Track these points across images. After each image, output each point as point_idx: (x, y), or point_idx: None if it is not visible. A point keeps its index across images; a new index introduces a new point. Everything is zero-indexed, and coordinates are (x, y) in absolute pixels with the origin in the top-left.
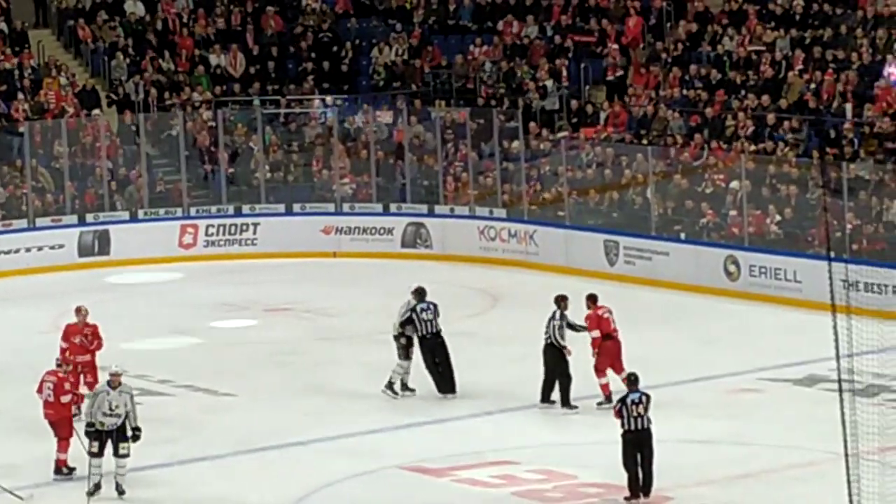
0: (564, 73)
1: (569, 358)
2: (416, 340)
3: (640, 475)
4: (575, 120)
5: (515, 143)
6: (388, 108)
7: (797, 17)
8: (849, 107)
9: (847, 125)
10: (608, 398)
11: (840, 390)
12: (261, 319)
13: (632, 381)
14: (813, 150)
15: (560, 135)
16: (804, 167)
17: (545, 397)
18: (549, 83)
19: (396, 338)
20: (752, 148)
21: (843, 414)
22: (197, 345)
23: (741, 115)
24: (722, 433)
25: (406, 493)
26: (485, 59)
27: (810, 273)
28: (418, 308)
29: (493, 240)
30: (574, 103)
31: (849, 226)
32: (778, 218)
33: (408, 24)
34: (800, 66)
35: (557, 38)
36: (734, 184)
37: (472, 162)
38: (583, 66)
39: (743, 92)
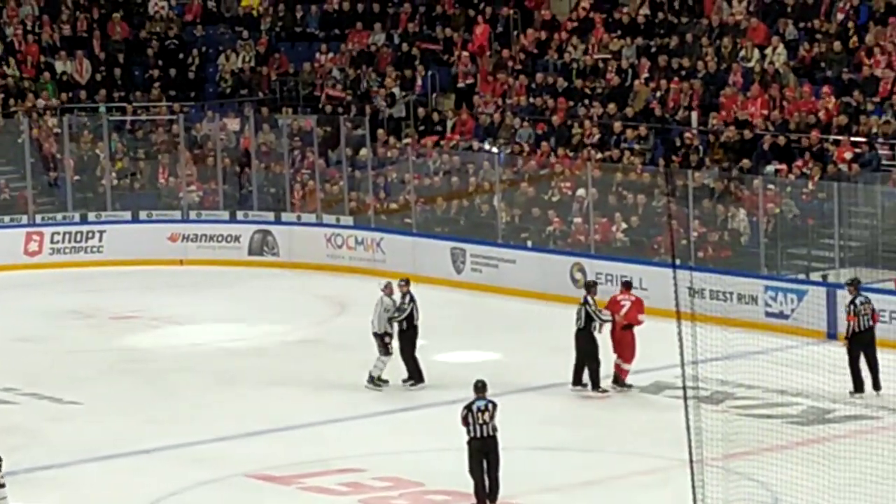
0: (419, 80)
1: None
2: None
3: (487, 482)
4: (422, 127)
5: (363, 151)
6: (236, 116)
7: (643, 26)
8: (694, 115)
9: (692, 133)
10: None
11: (685, 397)
12: (107, 327)
13: (478, 388)
14: (659, 158)
15: (405, 142)
16: (650, 175)
17: (576, 380)
18: (397, 91)
19: (380, 336)
20: (599, 156)
21: (687, 420)
22: (42, 353)
23: (587, 123)
24: (568, 440)
25: (252, 501)
26: (332, 67)
27: (656, 280)
28: (415, 298)
29: (340, 247)
30: (421, 111)
31: (694, 233)
32: (624, 226)
33: (255, 31)
34: (646, 75)
35: (405, 46)
36: (580, 191)
37: (320, 169)
38: (430, 73)
39: (589, 100)
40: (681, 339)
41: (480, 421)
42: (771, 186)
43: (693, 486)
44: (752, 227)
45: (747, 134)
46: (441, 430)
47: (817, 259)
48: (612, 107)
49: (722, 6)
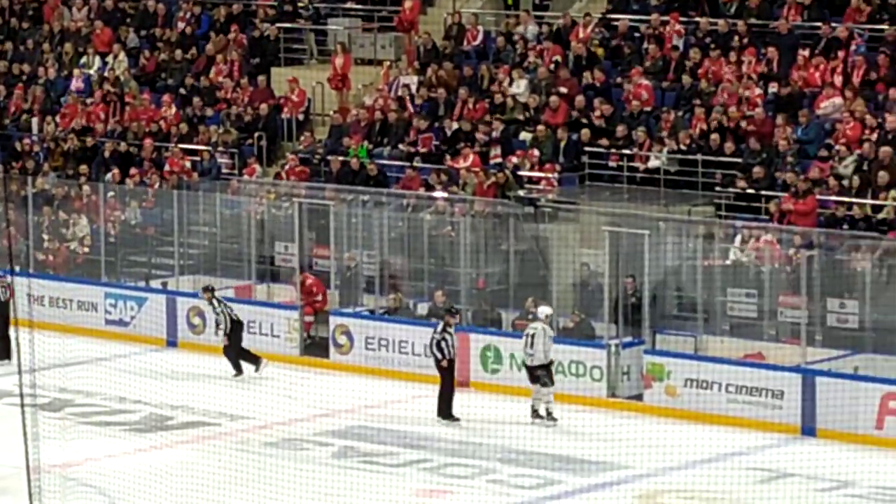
0: None
1: None
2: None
3: None
4: None
5: None
6: None
7: None
8: (35, 121)
9: (32, 139)
10: None
11: (22, 404)
12: None
13: None
14: None
15: None
16: None
17: None
18: None
19: (546, 366)
20: None
21: (24, 428)
22: None
23: None
24: None
25: None
26: None
27: None
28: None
29: None
30: None
31: (35, 240)
32: None
33: None
34: None
35: None
36: None
37: None
38: None
39: None
40: (18, 346)
41: None
42: (112, 194)
43: (30, 494)
44: (94, 235)
45: (89, 141)
46: None
47: (158, 267)
48: None
49: (63, 12)
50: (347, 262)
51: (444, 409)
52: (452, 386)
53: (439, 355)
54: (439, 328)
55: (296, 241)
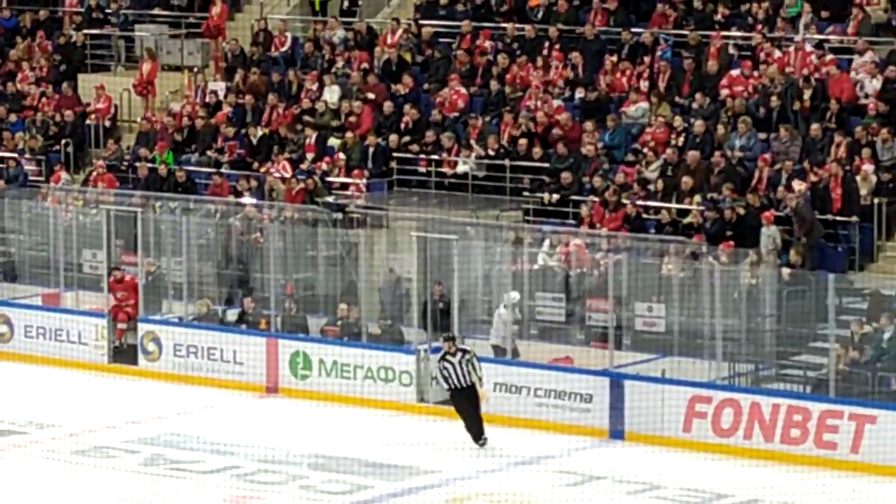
0: None
1: None
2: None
3: None
4: None
5: None
6: None
7: None
8: None
9: None
10: None
11: None
12: None
13: None
14: None
15: None
16: None
17: None
18: None
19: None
20: None
21: None
22: None
23: None
24: None
25: None
26: None
27: None
28: None
29: None
30: None
31: None
32: None
33: None
34: None
35: None
36: None
37: None
38: None
39: None
40: None
41: None
42: None
43: None
44: None
45: None
46: None
47: None
48: None
49: None
50: (147, 269)
51: (473, 432)
52: (465, 411)
53: (445, 385)
54: (438, 357)
55: (104, 248)
